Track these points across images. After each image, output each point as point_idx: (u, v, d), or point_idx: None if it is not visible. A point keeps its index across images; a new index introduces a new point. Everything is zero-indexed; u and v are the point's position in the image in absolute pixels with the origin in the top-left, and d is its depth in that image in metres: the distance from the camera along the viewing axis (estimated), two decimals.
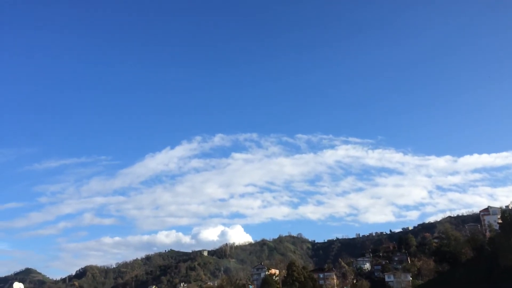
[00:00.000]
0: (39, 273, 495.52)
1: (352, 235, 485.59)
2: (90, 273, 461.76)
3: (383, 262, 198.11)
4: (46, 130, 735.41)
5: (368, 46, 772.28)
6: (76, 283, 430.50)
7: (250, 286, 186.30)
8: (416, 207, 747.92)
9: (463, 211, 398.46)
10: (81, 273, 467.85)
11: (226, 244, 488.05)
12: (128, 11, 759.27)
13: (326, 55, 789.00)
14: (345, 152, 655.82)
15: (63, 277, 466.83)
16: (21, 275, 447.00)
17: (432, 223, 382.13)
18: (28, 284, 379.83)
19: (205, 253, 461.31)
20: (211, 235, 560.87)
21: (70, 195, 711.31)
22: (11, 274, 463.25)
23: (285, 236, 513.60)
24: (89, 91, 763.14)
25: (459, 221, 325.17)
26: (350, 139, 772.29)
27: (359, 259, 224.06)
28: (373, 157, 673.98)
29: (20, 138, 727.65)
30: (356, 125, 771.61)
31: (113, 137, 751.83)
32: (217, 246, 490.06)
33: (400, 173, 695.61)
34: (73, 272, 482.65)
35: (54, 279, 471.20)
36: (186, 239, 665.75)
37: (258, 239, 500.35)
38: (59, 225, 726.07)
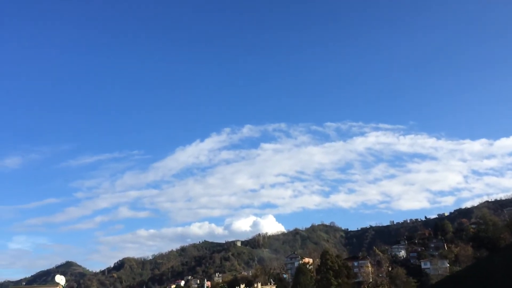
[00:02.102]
0: (79, 266, 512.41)
1: (386, 223, 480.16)
2: (127, 265, 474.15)
3: (419, 249, 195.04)
4: (79, 127, 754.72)
5: (400, 34, 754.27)
6: (115, 275, 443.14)
7: (284, 275, 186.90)
8: (451, 192, 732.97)
9: (501, 195, 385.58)
10: (119, 265, 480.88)
11: (259, 234, 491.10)
12: (158, 6, 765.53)
13: (354, 44, 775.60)
14: (375, 138, 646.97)
15: (102, 269, 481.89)
16: (62, 268, 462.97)
17: (469, 208, 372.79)
18: (69, 276, 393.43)
19: (239, 244, 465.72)
20: (243, 226, 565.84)
21: (105, 189, 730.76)
22: (53, 267, 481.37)
23: (318, 225, 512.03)
24: (118, 87, 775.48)
25: (497, 206, 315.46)
26: (381, 125, 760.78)
27: (394, 246, 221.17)
28: (405, 143, 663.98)
29: (55, 135, 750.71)
30: (386, 111, 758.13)
31: (143, 132, 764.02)
32: (250, 237, 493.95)
33: (433, 158, 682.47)
34: (111, 264, 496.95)
35: (94, 271, 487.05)
36: (219, 230, 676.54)
37: (291, 229, 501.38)
38: (96, 219, 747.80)
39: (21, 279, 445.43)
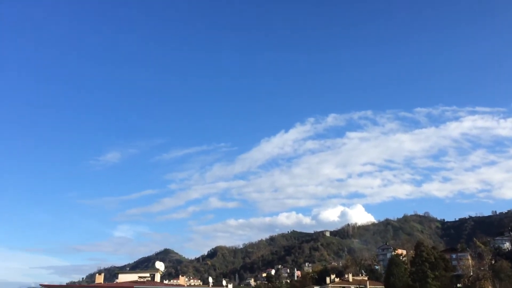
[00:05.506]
0: (176, 253, 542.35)
1: (487, 213, 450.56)
2: (220, 253, 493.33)
3: None
4: (170, 121, 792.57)
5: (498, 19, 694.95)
6: (209, 262, 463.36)
7: (376, 267, 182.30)
8: None
9: None
10: (213, 253, 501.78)
11: (348, 224, 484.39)
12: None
13: (447, 32, 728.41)
14: (472, 123, 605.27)
15: (197, 256, 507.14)
16: (161, 255, 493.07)
17: None
18: (168, 263, 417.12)
19: (327, 234, 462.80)
20: (331, 216, 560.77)
21: (196, 181, 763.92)
22: (153, 254, 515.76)
23: (411, 215, 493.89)
24: (204, 81, 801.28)
25: None
26: (477, 108, 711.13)
27: (497, 238, 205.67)
28: (506, 126, 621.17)
29: (150, 130, 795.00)
30: (483, 93, 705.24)
31: (229, 125, 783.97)
32: (338, 227, 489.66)
33: None
34: (205, 252, 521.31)
35: (189, 258, 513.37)
36: (307, 220, 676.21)
37: (381, 219, 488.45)
38: (189, 209, 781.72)
39: (125, 265, 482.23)
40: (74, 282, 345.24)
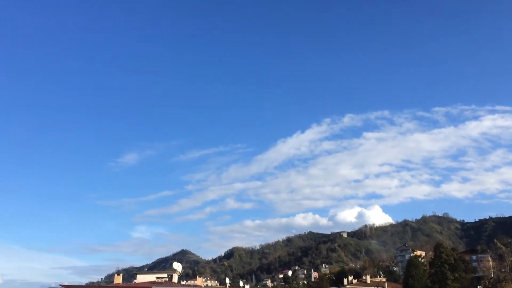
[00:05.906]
0: (193, 254, 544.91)
1: (508, 213, 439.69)
2: (237, 254, 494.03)
3: None
4: (187, 123, 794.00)
5: None
6: (226, 263, 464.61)
7: (395, 268, 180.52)
8: None
9: None
10: (229, 254, 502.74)
11: (366, 225, 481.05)
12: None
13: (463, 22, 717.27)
14: (491, 122, 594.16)
15: (214, 257, 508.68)
16: (178, 256, 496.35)
17: None
18: (185, 264, 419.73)
19: (345, 235, 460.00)
20: (348, 217, 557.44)
21: (213, 182, 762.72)
22: (170, 255, 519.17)
23: (430, 216, 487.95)
24: (221, 82, 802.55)
25: None
26: (498, 107, 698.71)
27: None
28: None
29: (167, 132, 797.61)
30: (503, 91, 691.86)
31: (245, 126, 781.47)
32: (355, 228, 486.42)
33: None
34: (221, 253, 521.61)
35: (206, 259, 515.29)
36: (323, 221, 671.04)
37: (399, 220, 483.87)
38: (206, 210, 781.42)
39: (143, 266, 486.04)
40: (93, 282, 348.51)
